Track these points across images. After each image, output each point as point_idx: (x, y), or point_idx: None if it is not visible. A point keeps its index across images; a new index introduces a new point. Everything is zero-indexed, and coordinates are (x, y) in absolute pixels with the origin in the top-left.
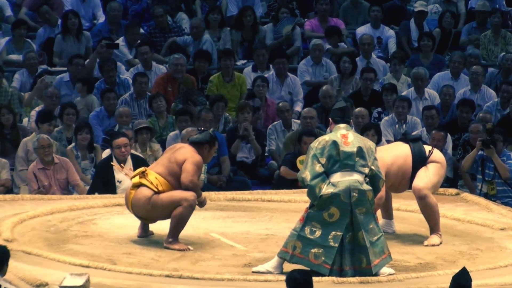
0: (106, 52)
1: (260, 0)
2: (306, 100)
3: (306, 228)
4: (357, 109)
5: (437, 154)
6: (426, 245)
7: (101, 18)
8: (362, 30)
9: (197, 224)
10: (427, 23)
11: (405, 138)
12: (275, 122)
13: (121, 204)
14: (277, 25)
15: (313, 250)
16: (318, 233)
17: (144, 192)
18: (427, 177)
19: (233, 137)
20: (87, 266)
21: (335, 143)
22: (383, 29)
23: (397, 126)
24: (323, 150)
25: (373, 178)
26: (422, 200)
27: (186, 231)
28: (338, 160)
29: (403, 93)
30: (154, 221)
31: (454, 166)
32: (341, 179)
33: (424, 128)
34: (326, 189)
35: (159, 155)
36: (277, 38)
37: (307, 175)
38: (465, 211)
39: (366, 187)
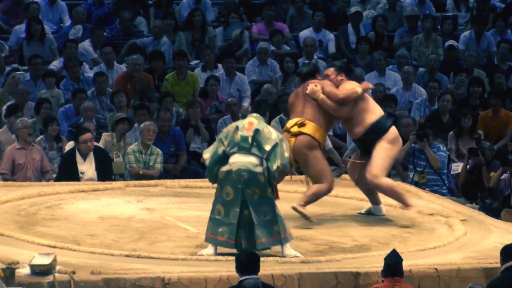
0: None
1: (211, 6)
2: (252, 97)
3: (214, 210)
4: None
5: (394, 132)
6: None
7: (67, 22)
8: (305, 33)
9: (154, 209)
10: (363, 27)
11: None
12: (225, 116)
13: (85, 191)
14: (227, 29)
15: (220, 229)
16: (222, 212)
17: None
18: (378, 163)
19: (185, 128)
20: (54, 247)
21: (237, 128)
22: (324, 33)
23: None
24: (227, 134)
25: (268, 168)
26: (377, 187)
27: (144, 215)
28: (236, 143)
29: None
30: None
31: None
32: (236, 160)
33: None
34: (222, 168)
35: (128, 148)
36: (226, 40)
37: (207, 156)
38: None
39: (259, 169)
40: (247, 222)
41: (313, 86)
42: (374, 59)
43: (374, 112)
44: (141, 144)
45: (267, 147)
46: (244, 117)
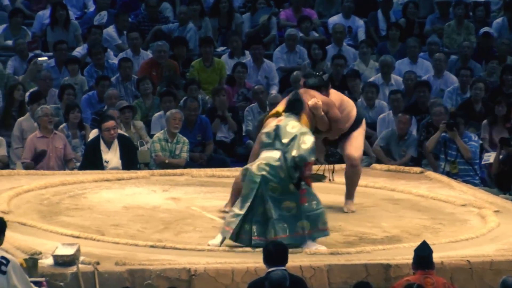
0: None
1: None
2: (280, 84)
3: (236, 203)
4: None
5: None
6: (346, 212)
7: (91, 7)
8: (334, 19)
9: (180, 198)
10: (393, 13)
11: None
12: (252, 104)
13: (109, 180)
14: (254, 15)
15: (230, 220)
16: (238, 205)
17: None
18: (360, 147)
19: (212, 117)
20: (78, 237)
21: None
22: (354, 19)
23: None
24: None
25: (285, 159)
26: (354, 168)
27: (169, 205)
28: (262, 141)
29: (371, 79)
30: None
31: (419, 146)
32: (260, 156)
33: (391, 111)
34: (247, 165)
35: (142, 132)
36: (254, 27)
37: None
38: (428, 188)
39: (278, 163)
40: (263, 218)
41: (317, 103)
42: (408, 46)
43: (352, 106)
44: (167, 132)
45: (285, 140)
46: (271, 105)
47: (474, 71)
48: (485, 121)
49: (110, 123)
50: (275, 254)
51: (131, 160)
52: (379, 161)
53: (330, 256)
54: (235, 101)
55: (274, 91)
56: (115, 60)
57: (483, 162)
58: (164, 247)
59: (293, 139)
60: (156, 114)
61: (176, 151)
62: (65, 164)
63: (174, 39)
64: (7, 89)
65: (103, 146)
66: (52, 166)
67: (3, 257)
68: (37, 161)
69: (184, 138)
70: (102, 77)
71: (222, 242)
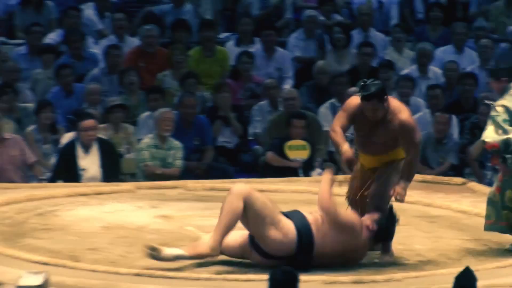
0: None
1: None
2: (296, 77)
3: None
4: (351, 88)
5: None
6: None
7: None
8: None
9: (171, 216)
10: None
11: None
12: (261, 102)
13: (87, 194)
14: None
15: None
16: None
17: None
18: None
19: (212, 118)
20: (47, 264)
21: None
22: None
23: None
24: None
25: None
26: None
27: (158, 225)
28: None
29: (405, 71)
30: None
31: (461, 152)
32: None
33: (428, 110)
34: None
35: (132, 139)
36: (264, 8)
37: None
38: (472, 203)
39: None
40: None
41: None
42: (453, 31)
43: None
44: (157, 136)
45: None
46: (286, 101)
47: None
48: None
49: (90, 122)
50: (283, 284)
51: (113, 169)
52: None
53: (352, 285)
54: (241, 98)
55: (288, 85)
56: (95, 49)
57: None
58: (151, 276)
59: None
60: (144, 115)
61: (168, 159)
62: (28, 170)
63: (173, 23)
64: None
65: (79, 151)
66: (12, 179)
67: None
68: None
69: (177, 143)
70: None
71: None
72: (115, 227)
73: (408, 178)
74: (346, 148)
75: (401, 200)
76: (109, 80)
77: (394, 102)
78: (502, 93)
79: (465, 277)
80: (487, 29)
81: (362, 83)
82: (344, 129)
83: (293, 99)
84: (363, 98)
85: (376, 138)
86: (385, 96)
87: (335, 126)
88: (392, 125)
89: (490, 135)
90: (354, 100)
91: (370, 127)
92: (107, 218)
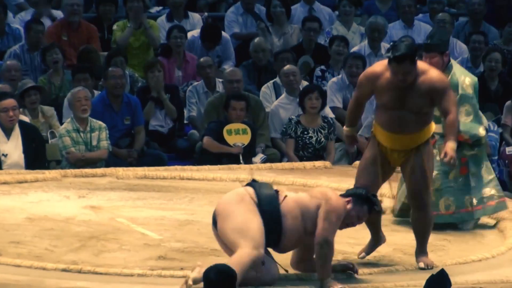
0: None
1: None
2: (236, 56)
3: None
4: (286, 67)
5: None
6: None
7: None
8: None
9: (101, 207)
10: None
11: None
12: (196, 83)
13: (8, 182)
14: None
15: None
16: None
17: None
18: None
19: (143, 100)
20: None
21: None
22: None
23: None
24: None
25: None
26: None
27: (87, 216)
28: None
29: (355, 48)
30: None
31: None
32: None
33: None
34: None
35: (53, 121)
36: None
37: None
38: None
39: None
40: None
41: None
42: (400, 5)
43: None
44: (75, 119)
45: None
46: (228, 83)
47: (489, 37)
48: (508, 103)
49: (9, 101)
50: (216, 283)
51: (37, 155)
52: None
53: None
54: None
55: (228, 65)
56: (16, 24)
57: (501, 158)
58: (80, 271)
59: None
60: (68, 95)
61: (93, 141)
62: None
63: None
64: None
65: (0, 135)
66: None
67: None
68: None
69: (100, 123)
70: None
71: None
72: (39, 219)
73: (456, 138)
74: (346, 129)
75: (454, 164)
76: (31, 58)
77: (418, 63)
78: (443, 69)
79: (440, 282)
80: (444, 3)
81: (392, 43)
82: (363, 102)
83: (238, 81)
84: (395, 59)
85: (408, 109)
86: (416, 57)
87: (351, 99)
88: (423, 88)
89: None
90: (375, 67)
91: (396, 96)
92: (31, 209)
